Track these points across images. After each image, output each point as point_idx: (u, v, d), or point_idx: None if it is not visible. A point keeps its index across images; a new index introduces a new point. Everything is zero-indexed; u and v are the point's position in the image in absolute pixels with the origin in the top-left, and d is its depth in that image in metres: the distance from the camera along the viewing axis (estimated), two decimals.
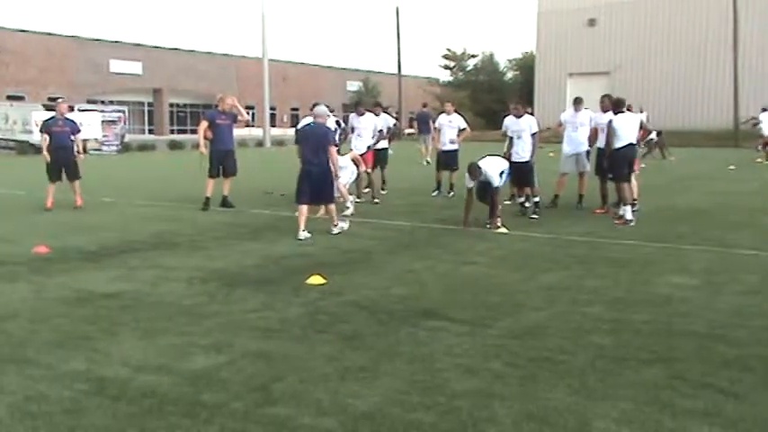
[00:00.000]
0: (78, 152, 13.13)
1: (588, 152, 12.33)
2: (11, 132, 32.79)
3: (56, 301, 6.08)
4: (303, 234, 9.27)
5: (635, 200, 11.62)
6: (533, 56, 54.40)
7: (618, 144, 10.70)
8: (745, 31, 38.36)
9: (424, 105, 28.67)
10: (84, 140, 19.05)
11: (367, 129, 13.33)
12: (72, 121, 13.13)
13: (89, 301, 6.08)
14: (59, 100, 14.07)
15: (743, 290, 6.53)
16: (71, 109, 29.12)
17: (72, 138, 12.87)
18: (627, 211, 10.56)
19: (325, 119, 9.95)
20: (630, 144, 10.89)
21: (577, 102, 12.62)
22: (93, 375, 4.28)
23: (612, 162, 10.91)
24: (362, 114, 13.57)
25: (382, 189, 14.47)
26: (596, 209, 11.71)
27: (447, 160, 14.52)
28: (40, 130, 12.88)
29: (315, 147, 9.49)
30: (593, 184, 12.05)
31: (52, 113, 13.47)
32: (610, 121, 10.81)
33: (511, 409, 3.78)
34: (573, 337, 5.03)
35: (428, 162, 22.37)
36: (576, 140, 12.21)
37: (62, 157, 12.67)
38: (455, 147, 14.46)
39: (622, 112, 10.86)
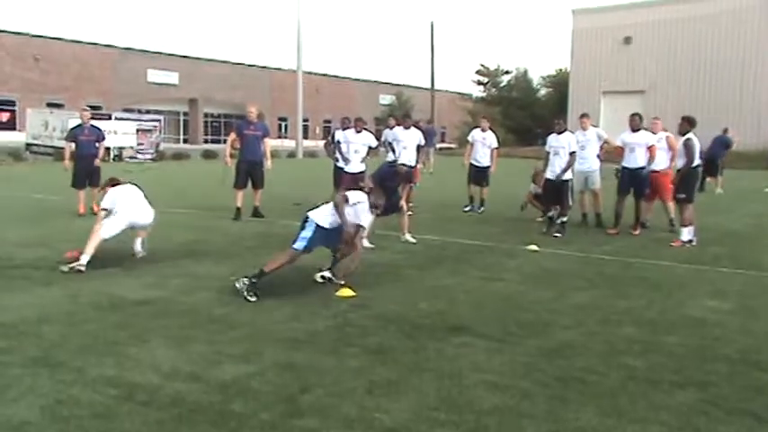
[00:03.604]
0: (98, 158, 13.28)
1: (602, 169, 12.13)
2: (49, 139, 33.40)
3: (88, 306, 6.16)
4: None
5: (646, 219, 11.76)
6: (567, 73, 54.04)
7: (695, 163, 10.47)
8: None
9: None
10: (107, 148, 19.63)
11: (413, 142, 13.19)
12: (98, 128, 13.55)
13: (121, 307, 6.16)
14: (84, 109, 14.34)
15: None
16: (108, 117, 29.76)
17: (97, 145, 13.28)
18: (684, 233, 10.42)
19: None
20: (699, 164, 10.70)
21: (583, 117, 12.31)
22: (123, 381, 4.33)
23: (689, 181, 10.57)
24: (408, 128, 13.58)
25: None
26: (609, 228, 11.44)
27: (477, 176, 14.50)
28: (65, 138, 13.16)
29: None
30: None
31: (79, 121, 13.83)
32: (688, 139, 10.42)
33: (539, 429, 3.74)
34: (603, 358, 4.97)
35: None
36: (582, 158, 11.92)
37: (88, 165, 12.98)
38: (487, 163, 14.48)
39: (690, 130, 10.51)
